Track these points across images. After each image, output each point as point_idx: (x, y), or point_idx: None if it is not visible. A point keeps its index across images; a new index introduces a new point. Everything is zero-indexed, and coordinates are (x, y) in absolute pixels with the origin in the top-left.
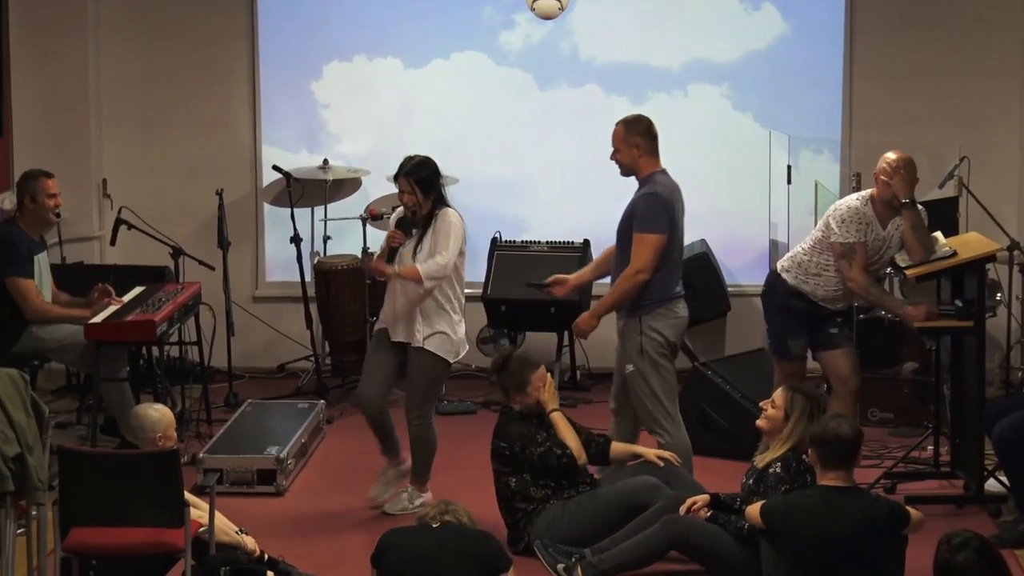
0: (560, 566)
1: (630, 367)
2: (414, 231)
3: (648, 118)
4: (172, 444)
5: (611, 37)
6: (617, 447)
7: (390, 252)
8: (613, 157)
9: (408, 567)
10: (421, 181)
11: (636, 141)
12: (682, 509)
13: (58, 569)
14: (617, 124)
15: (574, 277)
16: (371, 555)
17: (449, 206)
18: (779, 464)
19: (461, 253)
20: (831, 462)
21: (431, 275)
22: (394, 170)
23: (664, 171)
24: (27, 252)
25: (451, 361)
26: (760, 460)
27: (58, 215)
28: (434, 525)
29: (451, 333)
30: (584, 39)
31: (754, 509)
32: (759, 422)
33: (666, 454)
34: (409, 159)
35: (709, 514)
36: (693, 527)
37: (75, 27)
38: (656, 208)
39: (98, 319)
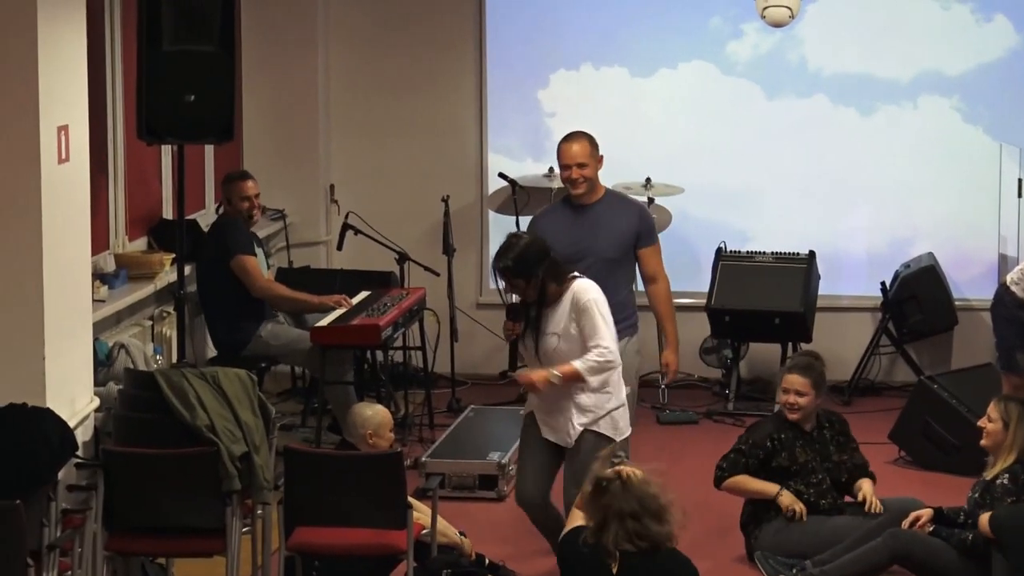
0: None
1: (627, 389)
2: (531, 311)
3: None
4: (385, 444)
5: (840, 47)
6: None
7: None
8: (581, 174)
9: None
10: (520, 274)
11: (600, 155)
12: (905, 523)
13: (282, 568)
14: (580, 140)
15: None
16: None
17: (571, 274)
18: (1007, 476)
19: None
20: None
21: (594, 370)
22: (620, 178)
23: None
24: (247, 236)
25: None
26: (988, 474)
27: (250, 216)
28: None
29: (617, 409)
30: (812, 49)
31: (985, 519)
32: (982, 442)
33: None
34: (502, 250)
35: (932, 528)
36: (916, 541)
37: (305, 34)
38: (654, 219)
39: (324, 323)
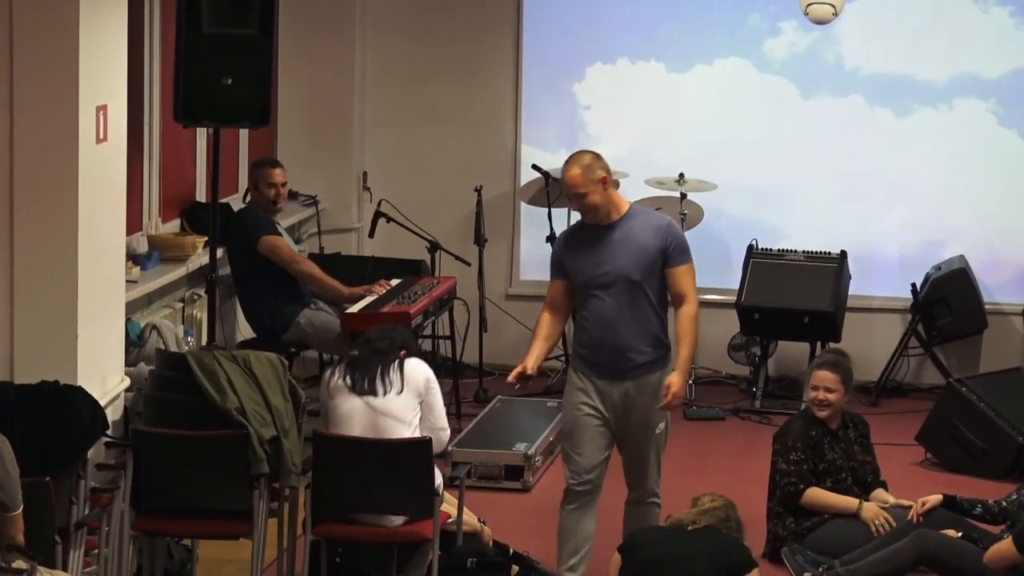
0: (807, 575)
1: (662, 424)
2: None
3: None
4: None
5: (877, 48)
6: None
7: None
8: (585, 204)
9: (653, 566)
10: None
11: (600, 175)
12: (912, 514)
13: (307, 552)
14: (573, 168)
15: (532, 360)
16: (619, 545)
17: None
18: None
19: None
20: None
21: None
22: (653, 173)
23: None
24: (268, 219)
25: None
26: None
27: (275, 203)
28: (690, 528)
29: None
30: (850, 49)
31: (1005, 546)
32: None
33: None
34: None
35: (961, 534)
36: (943, 543)
37: (343, 22)
38: (684, 237)
39: (354, 309)
